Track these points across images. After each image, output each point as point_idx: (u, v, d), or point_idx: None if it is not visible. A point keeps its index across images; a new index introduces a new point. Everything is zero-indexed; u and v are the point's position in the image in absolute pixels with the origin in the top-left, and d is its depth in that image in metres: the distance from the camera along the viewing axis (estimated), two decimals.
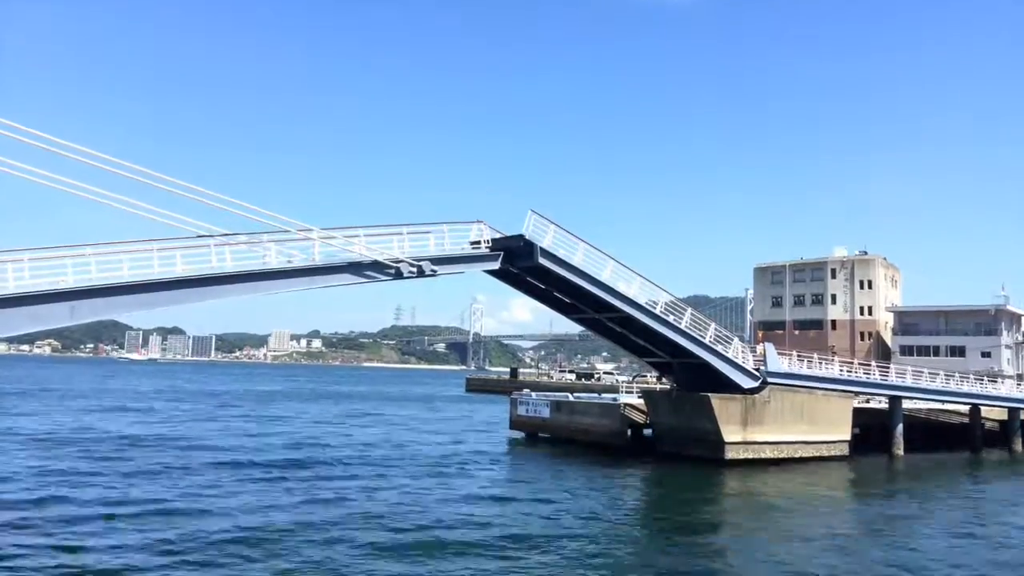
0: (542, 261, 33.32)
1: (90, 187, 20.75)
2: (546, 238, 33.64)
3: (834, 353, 73.84)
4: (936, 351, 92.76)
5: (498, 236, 33.58)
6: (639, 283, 37.35)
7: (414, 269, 29.29)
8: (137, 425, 52.68)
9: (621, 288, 36.48)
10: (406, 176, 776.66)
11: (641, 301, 37.17)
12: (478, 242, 32.71)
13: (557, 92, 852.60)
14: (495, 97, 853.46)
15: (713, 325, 40.17)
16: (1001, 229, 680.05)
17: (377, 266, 28.83)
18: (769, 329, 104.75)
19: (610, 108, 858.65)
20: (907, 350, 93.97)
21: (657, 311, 37.61)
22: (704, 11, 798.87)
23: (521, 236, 33.13)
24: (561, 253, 34.25)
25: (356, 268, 28.47)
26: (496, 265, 33.02)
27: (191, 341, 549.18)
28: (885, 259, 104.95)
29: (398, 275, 29.19)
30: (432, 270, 29.99)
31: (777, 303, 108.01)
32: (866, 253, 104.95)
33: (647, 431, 44.87)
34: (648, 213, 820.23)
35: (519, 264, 34.42)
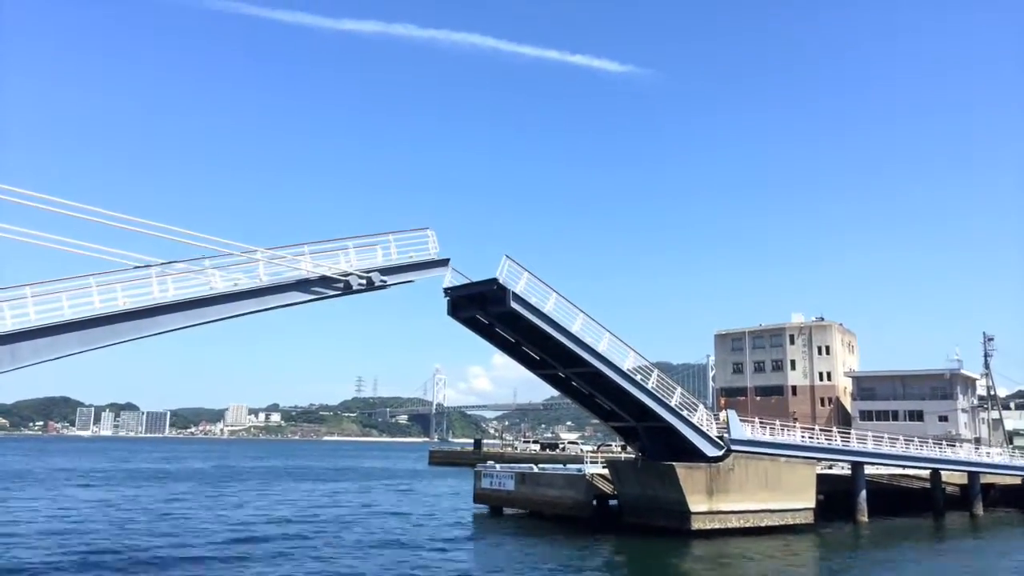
0: (514, 306, 33.23)
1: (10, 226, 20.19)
2: (519, 284, 33.67)
3: (795, 419, 74.43)
4: (895, 415, 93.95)
5: (470, 281, 33.49)
6: (608, 339, 37.29)
7: (363, 281, 28.57)
8: None
9: (590, 342, 36.39)
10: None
11: (610, 358, 37.08)
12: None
13: (510, 166, 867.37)
14: (456, 165, 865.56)
15: (679, 389, 40.12)
16: (951, 291, 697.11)
17: (325, 281, 28.08)
18: (731, 395, 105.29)
19: (567, 185, 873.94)
20: (867, 415, 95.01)
21: (625, 368, 37.64)
22: (678, 88, 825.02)
23: (495, 280, 33.07)
24: (533, 300, 34.18)
25: (304, 285, 27.66)
26: (445, 271, 32.23)
27: (145, 417, 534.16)
28: (842, 325, 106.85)
29: (347, 288, 28.43)
30: (382, 280, 29.21)
31: (738, 369, 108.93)
32: (823, 319, 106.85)
33: (613, 502, 44.32)
34: (608, 282, 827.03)
35: (491, 310, 34.32)
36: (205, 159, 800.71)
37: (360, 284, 28.56)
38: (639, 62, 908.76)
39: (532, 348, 38.06)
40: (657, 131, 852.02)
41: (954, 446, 59.57)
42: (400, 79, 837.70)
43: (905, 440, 52.63)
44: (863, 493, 48.30)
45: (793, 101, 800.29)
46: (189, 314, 24.83)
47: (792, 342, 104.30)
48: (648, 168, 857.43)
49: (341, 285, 28.33)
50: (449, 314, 35.70)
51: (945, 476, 55.54)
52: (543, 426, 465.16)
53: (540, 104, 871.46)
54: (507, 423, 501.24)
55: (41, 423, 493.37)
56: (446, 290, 34.83)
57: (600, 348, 36.71)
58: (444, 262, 31.94)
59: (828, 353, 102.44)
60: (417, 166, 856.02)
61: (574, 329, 35.72)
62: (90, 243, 21.72)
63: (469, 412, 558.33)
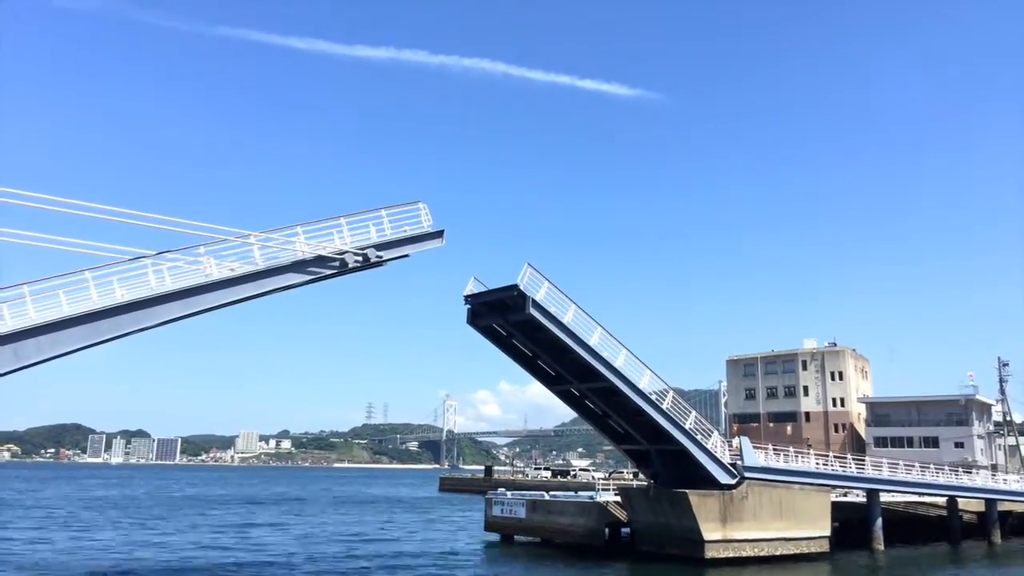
0: (533, 312, 33.42)
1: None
2: (539, 292, 33.93)
3: (809, 446, 73.78)
4: (910, 442, 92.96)
5: (491, 288, 33.70)
6: (625, 355, 37.38)
7: (359, 258, 28.35)
8: None
9: (607, 356, 36.41)
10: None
11: (626, 374, 37.07)
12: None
13: (520, 188, 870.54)
14: (464, 190, 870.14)
15: (694, 413, 39.97)
16: (964, 315, 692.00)
17: (321, 260, 27.92)
18: (744, 422, 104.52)
19: (573, 214, 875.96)
20: (881, 441, 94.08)
21: (640, 386, 37.51)
22: (686, 112, 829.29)
23: (515, 286, 33.31)
24: (553, 310, 34.40)
25: (300, 266, 27.52)
26: (440, 243, 31.24)
27: (155, 444, 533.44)
28: (854, 350, 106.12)
29: (343, 267, 28.17)
30: (378, 256, 28.89)
31: (751, 395, 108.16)
32: (835, 344, 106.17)
33: (625, 530, 43.96)
34: (620, 307, 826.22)
35: (510, 318, 34.49)
36: (203, 190, 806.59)
37: (356, 261, 28.31)
38: (647, 86, 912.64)
39: (549, 361, 38.16)
40: (661, 155, 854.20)
41: (970, 473, 58.89)
42: (411, 104, 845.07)
43: (921, 467, 52.09)
44: (879, 521, 47.76)
45: (794, 124, 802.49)
46: (188, 302, 24.83)
47: (805, 368, 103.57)
48: (649, 195, 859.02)
49: (337, 264, 28.13)
50: (468, 323, 36.07)
51: (962, 504, 54.86)
52: (554, 453, 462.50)
53: (550, 128, 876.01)
54: (518, 450, 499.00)
55: (52, 450, 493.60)
56: (466, 297, 35.08)
57: (617, 364, 36.77)
58: (439, 234, 30.97)
59: (841, 379, 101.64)
60: (424, 191, 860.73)
61: (592, 342, 35.88)
62: (82, 239, 21.88)
63: (480, 439, 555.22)
